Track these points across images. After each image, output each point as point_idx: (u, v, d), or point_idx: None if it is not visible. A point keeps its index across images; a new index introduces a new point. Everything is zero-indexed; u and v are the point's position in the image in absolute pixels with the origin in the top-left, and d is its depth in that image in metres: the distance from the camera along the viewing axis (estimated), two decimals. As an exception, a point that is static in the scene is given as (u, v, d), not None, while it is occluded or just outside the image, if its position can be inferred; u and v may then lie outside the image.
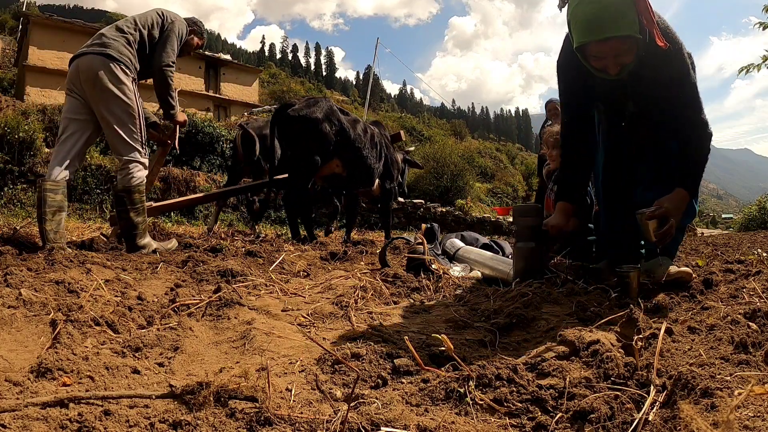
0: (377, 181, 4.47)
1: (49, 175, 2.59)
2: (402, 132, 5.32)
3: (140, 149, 2.73)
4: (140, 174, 2.73)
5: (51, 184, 2.56)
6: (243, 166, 4.79)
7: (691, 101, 1.66)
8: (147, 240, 2.76)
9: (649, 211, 1.56)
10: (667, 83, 1.65)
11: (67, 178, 2.64)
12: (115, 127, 2.64)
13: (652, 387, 0.81)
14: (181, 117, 3.11)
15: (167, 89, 2.88)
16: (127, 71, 2.69)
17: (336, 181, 4.29)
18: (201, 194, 4.26)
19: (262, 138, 4.72)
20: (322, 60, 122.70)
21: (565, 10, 1.63)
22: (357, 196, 4.94)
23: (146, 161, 2.79)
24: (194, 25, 3.12)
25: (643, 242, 2.00)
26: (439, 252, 2.52)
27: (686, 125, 1.67)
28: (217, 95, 24.55)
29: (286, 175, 4.08)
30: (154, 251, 2.69)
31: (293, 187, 3.98)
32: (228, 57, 29.12)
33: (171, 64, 2.85)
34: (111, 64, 2.63)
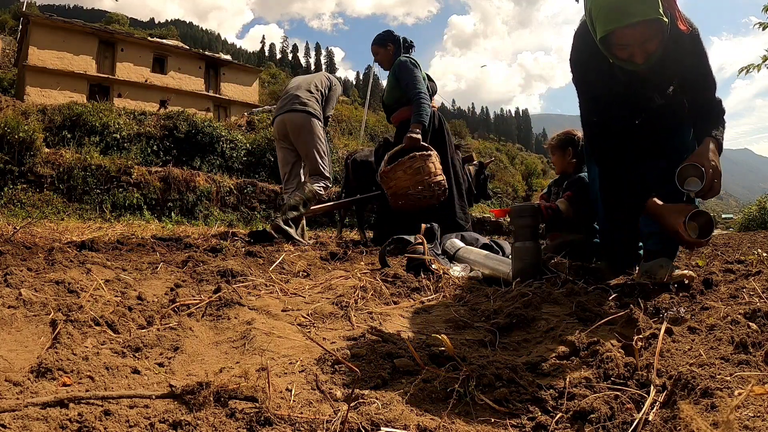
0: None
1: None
2: (474, 154, 6.50)
3: (328, 176, 3.97)
4: (323, 190, 3.92)
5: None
6: (355, 187, 6.09)
7: (712, 82, 1.66)
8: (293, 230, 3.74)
9: (687, 164, 1.50)
10: (693, 68, 1.63)
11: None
12: (313, 162, 3.90)
13: (652, 387, 0.81)
14: None
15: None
16: (319, 120, 3.92)
17: None
18: (332, 203, 5.54)
19: (366, 164, 6.14)
20: (322, 60, 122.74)
21: (582, 1, 1.57)
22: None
23: (330, 184, 4.00)
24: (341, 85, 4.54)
25: (641, 243, 2.00)
26: (439, 252, 2.52)
27: (708, 104, 1.66)
28: (217, 95, 24.53)
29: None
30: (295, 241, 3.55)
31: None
32: (228, 57, 29.10)
33: (330, 117, 4.20)
34: (310, 118, 3.87)
